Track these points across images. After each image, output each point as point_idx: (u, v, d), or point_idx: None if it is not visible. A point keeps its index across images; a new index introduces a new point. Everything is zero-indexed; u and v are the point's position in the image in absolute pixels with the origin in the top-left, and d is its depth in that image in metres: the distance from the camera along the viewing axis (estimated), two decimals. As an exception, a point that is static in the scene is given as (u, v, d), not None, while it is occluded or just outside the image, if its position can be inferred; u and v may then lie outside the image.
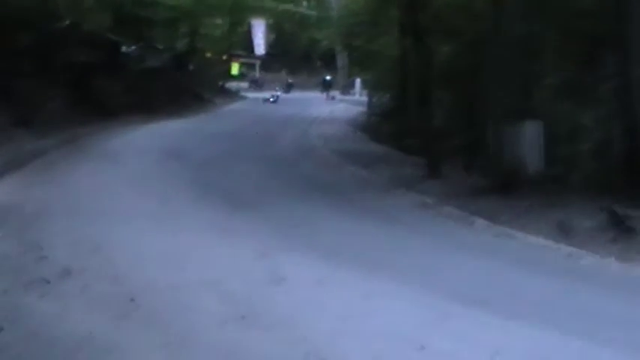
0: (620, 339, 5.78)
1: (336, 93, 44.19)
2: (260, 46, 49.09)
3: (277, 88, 41.44)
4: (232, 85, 42.24)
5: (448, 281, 7.45)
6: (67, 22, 20.79)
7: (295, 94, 43.56)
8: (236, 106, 34.55)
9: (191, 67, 35.42)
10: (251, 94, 41.13)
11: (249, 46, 48.54)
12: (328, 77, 45.98)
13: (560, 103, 13.69)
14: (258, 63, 50.73)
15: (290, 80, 48.29)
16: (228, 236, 8.76)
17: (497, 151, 13.39)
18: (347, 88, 45.41)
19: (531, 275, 8.21)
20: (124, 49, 26.90)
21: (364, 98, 31.33)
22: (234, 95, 39.24)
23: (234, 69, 44.96)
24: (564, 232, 10.01)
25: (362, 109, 29.46)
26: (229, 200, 11.45)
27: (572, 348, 5.61)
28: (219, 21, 39.94)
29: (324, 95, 43.00)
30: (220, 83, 40.11)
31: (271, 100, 37.00)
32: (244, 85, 44.68)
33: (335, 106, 35.47)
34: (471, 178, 14.65)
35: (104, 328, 5.11)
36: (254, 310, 5.84)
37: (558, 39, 14.93)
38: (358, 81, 42.49)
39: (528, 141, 13.34)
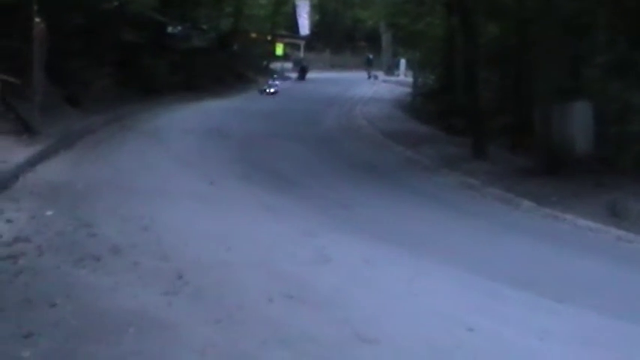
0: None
1: (379, 73, 43.93)
2: (304, 27, 49.02)
3: (275, 76, 35.05)
4: (276, 65, 42.27)
5: (495, 263, 7.41)
6: (116, 3, 21.00)
7: (339, 74, 43.40)
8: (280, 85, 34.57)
9: (235, 48, 35.51)
10: (295, 74, 41.12)
11: (293, 26, 48.48)
12: (371, 56, 45.74)
13: (610, 82, 13.38)
14: (302, 43, 50.66)
15: (304, 63, 41.38)
16: (275, 215, 8.80)
17: (544, 131, 13.19)
18: (391, 69, 45.13)
19: (580, 258, 8.12)
20: (169, 29, 27.09)
21: (409, 79, 31.10)
22: (278, 75, 39.29)
23: (279, 49, 44.93)
24: (614, 215, 9.85)
25: (406, 89, 29.27)
26: (275, 179, 11.50)
27: (620, 331, 5.55)
28: (263, 1, 39.94)
29: (367, 74, 42.73)
30: (264, 63, 40.16)
31: (268, 91, 29.36)
32: (288, 65, 44.66)
33: (379, 87, 35.27)
34: (517, 158, 14.50)
35: (154, 304, 5.18)
36: (301, 289, 5.86)
37: (610, 16, 14.59)
38: (403, 61, 42.17)
39: (577, 121, 13.12)
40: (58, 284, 5.47)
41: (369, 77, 42.17)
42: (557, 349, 5.03)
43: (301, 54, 49.82)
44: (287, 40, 47.52)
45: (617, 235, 9.25)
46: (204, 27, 32.51)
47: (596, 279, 7.18)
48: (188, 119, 18.72)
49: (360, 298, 5.79)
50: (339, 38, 53.45)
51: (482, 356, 4.80)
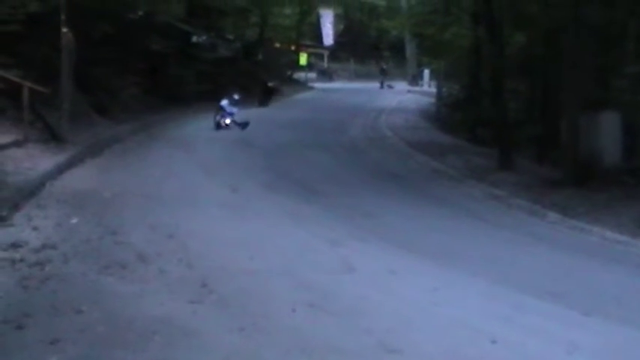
0: None
1: (402, 83, 43.83)
2: (328, 37, 49.15)
3: (236, 97, 19.92)
4: (300, 75, 42.40)
5: (521, 274, 7.33)
6: (141, 13, 21.21)
7: (363, 84, 43.37)
8: (304, 95, 34.67)
9: (260, 57, 35.70)
10: (319, 85, 41.18)
11: (317, 36, 48.63)
12: (385, 66, 45.77)
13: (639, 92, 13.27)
14: (326, 53, 50.79)
15: (272, 83, 29.83)
16: (300, 224, 8.80)
17: (572, 142, 13.07)
18: (415, 79, 45.06)
19: (608, 270, 8.02)
20: (194, 39, 27.30)
21: (433, 89, 31.02)
22: (302, 85, 39.38)
23: (303, 59, 45.09)
24: (643, 227, 9.72)
25: (431, 99, 29.19)
26: (300, 188, 11.51)
27: (631, 339, 5.46)
28: (288, 11, 40.12)
29: (379, 84, 42.71)
30: (289, 73, 40.31)
31: (223, 123, 18.82)
32: (312, 75, 44.77)
33: (404, 97, 35.22)
34: (544, 170, 14.38)
35: (179, 312, 5.20)
36: (325, 298, 5.85)
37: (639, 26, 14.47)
38: (427, 71, 42.11)
39: (605, 132, 12.99)
40: (84, 291, 5.51)
41: (382, 87, 42.16)
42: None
43: (325, 64, 49.92)
44: (311, 49, 47.67)
45: (645, 248, 9.13)
46: (230, 37, 32.72)
47: (624, 292, 7.06)
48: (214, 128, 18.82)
49: (384, 308, 5.76)
50: (364, 48, 53.49)
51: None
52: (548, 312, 6.04)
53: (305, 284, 6.22)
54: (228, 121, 18.77)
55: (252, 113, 23.24)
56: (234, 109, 19.37)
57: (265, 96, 27.76)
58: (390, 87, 42.31)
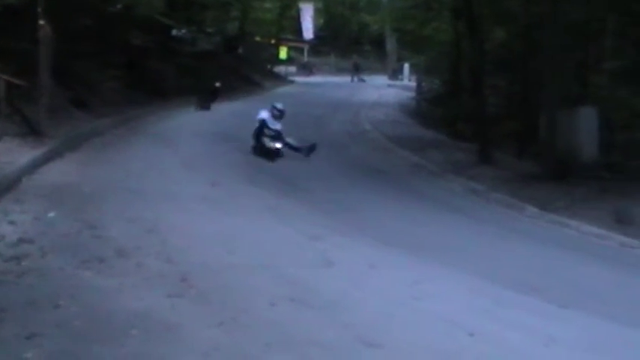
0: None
1: (382, 78, 43.88)
2: (308, 30, 48.99)
3: (273, 117, 14.81)
4: (281, 69, 42.32)
5: (500, 267, 7.39)
6: (120, 6, 21.03)
7: (344, 79, 43.34)
8: (285, 89, 34.55)
9: (241, 51, 35.55)
10: (300, 79, 41.12)
11: (297, 30, 48.52)
12: (357, 60, 45.91)
13: (618, 89, 13.38)
14: (306, 47, 50.67)
15: (217, 84, 23.47)
16: (280, 218, 8.80)
17: (550, 137, 13.18)
18: (396, 73, 45.13)
19: (585, 264, 8.10)
20: (174, 32, 27.12)
21: (413, 84, 31.08)
22: (282, 79, 39.29)
23: (283, 53, 44.97)
24: (620, 221, 9.83)
25: (411, 94, 29.25)
26: (281, 182, 11.50)
27: (625, 337, 5.53)
28: (268, 5, 40.00)
29: (351, 78, 42.84)
30: (269, 67, 40.22)
31: (274, 147, 14.13)
32: (292, 69, 44.69)
33: (384, 91, 35.23)
34: (523, 164, 14.48)
35: (158, 306, 5.17)
36: (305, 293, 5.85)
37: (618, 22, 14.59)
38: (407, 66, 42.20)
39: (583, 128, 13.13)
40: (61, 285, 5.47)
41: (352, 81, 42.30)
42: (563, 355, 5.01)
43: (305, 58, 49.84)
44: (291, 43, 47.56)
45: (622, 242, 9.23)
46: (210, 30, 32.57)
47: (601, 285, 7.15)
48: (195, 122, 18.74)
49: (364, 302, 5.78)
50: (345, 42, 53.46)
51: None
52: (526, 305, 6.09)
53: (285, 279, 6.21)
54: (279, 145, 13.89)
55: (236, 107, 23.15)
56: (278, 125, 14.32)
57: (210, 97, 22.01)
58: (362, 80, 42.42)
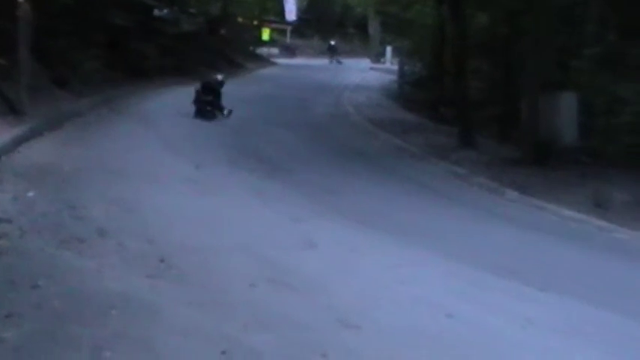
0: None
1: (365, 61, 43.81)
2: (291, 12, 48.76)
3: None
4: (263, 50, 42.12)
5: (480, 251, 7.44)
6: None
7: (326, 61, 43.24)
8: (267, 71, 34.44)
9: (223, 32, 35.29)
10: (282, 60, 40.97)
11: (280, 12, 48.26)
12: (333, 42, 45.82)
13: (599, 74, 13.44)
14: (289, 29, 50.44)
15: (220, 77, 17.40)
16: (262, 200, 8.79)
17: (531, 122, 13.25)
18: (378, 56, 45.07)
19: (563, 247, 8.18)
20: (156, 12, 26.84)
21: (395, 67, 31.05)
22: (265, 61, 39.11)
23: (265, 34, 44.73)
24: (599, 206, 9.92)
25: (393, 77, 29.23)
26: (263, 164, 11.48)
27: (602, 320, 5.59)
28: (252, -14, 39.73)
29: (328, 60, 42.82)
30: (251, 49, 40.01)
31: None
32: (275, 51, 44.50)
33: (366, 74, 35.20)
34: (504, 148, 14.55)
35: (138, 287, 5.17)
36: (286, 274, 5.87)
37: (600, 8, 14.63)
38: (389, 49, 42.16)
39: (563, 112, 13.21)
40: (41, 265, 5.44)
41: (331, 62, 42.30)
42: (540, 337, 5.07)
43: (288, 40, 49.64)
44: (274, 25, 47.31)
45: (602, 226, 9.32)
46: (193, 11, 32.29)
47: (579, 269, 7.22)
48: (177, 103, 18.54)
49: (344, 284, 5.81)
50: (328, 25, 53.24)
51: (465, 343, 4.82)
52: (505, 288, 6.15)
53: (266, 260, 6.22)
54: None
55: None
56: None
57: (212, 99, 16.28)
58: (340, 62, 42.40)
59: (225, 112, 16.36)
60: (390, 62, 40.13)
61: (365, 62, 43.34)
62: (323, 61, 42.99)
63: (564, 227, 9.33)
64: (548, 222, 9.61)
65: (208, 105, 16.14)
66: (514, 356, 4.75)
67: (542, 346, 4.93)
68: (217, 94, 16.51)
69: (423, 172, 12.76)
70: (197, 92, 16.31)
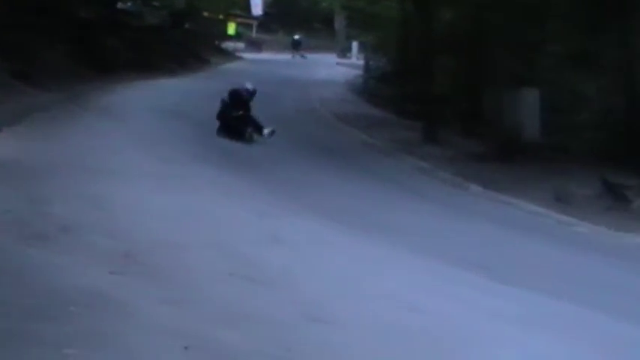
0: (613, 304, 5.90)
1: (331, 56, 43.85)
2: (257, 7, 48.54)
3: None
4: (229, 45, 41.90)
5: (444, 245, 7.54)
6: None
7: (293, 56, 43.21)
8: (233, 65, 34.26)
9: (188, 26, 35.07)
10: (248, 55, 40.82)
11: (247, 6, 48.05)
12: (297, 37, 45.86)
13: (563, 71, 13.67)
14: (255, 23, 50.24)
15: (249, 87, 14.38)
16: (229, 195, 8.80)
17: (494, 118, 13.44)
18: (344, 52, 45.15)
19: (526, 241, 8.33)
20: (119, 5, 26.57)
21: (362, 62, 31.16)
22: (230, 55, 38.93)
23: (231, 29, 44.50)
24: (560, 200, 10.11)
25: (359, 72, 29.34)
26: (230, 160, 11.45)
27: (563, 311, 5.71)
28: (217, -20, 39.51)
29: (292, 54, 42.89)
30: (217, 43, 39.79)
31: None
32: (241, 45, 44.30)
33: (332, 69, 35.24)
34: (468, 144, 14.71)
35: (103, 283, 5.12)
36: (252, 270, 5.87)
37: (566, 5, 14.84)
38: (355, 44, 42.24)
39: (526, 109, 13.42)
40: (3, 263, 5.36)
41: (293, 57, 42.36)
42: (504, 330, 5.15)
43: (254, 34, 49.47)
44: (240, 19, 47.10)
45: (563, 220, 9.51)
46: (156, 4, 32.02)
47: (540, 262, 7.37)
48: (143, 98, 18.45)
49: (311, 279, 5.84)
50: (294, 20, 53.15)
51: (429, 336, 4.88)
52: (469, 282, 6.24)
53: (233, 256, 6.23)
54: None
55: (184, 83, 22.92)
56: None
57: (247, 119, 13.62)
58: (304, 57, 42.41)
59: (266, 132, 13.30)
60: (356, 57, 40.23)
61: (331, 57, 43.33)
62: (289, 56, 42.93)
63: (527, 221, 9.50)
64: (511, 216, 9.77)
65: (240, 122, 13.22)
66: (477, 347, 4.83)
67: (506, 339, 5.02)
68: (248, 108, 13.61)
69: (388, 166, 12.87)
70: (223, 104, 13.57)
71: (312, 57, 42.87)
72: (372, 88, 25.35)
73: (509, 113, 13.34)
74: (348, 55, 43.57)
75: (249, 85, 13.97)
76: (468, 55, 18.22)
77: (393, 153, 14.05)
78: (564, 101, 14.28)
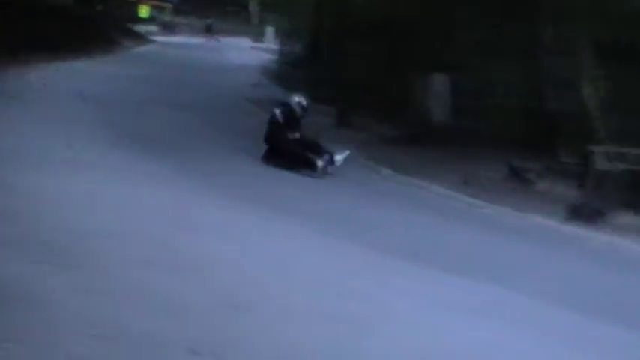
0: (519, 282, 6.20)
1: (246, 40, 43.64)
2: (172, -10, 47.90)
3: None
4: (141, 27, 41.11)
5: (355, 228, 7.68)
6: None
7: (208, 40, 42.74)
8: (145, 49, 33.68)
9: (99, 8, 34.24)
10: (161, 39, 40.15)
11: (160, -12, 47.29)
12: (210, 21, 45.59)
13: (474, 57, 14.05)
14: (169, 7, 49.45)
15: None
16: (147, 182, 8.69)
17: (407, 103, 13.74)
18: (259, 36, 44.96)
19: (434, 223, 8.63)
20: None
21: (276, 46, 31.13)
22: (142, 38, 38.22)
23: (144, 11, 43.73)
24: (468, 183, 10.48)
25: (273, 57, 29.30)
26: (142, 145, 11.29)
27: (478, 292, 5.95)
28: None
29: (206, 38, 42.69)
30: (129, 25, 38.98)
31: None
32: (154, 28, 43.54)
33: (246, 54, 35.08)
34: (381, 128, 15.00)
35: (21, 274, 5.02)
36: (172, 257, 5.85)
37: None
38: (270, 29, 42.13)
39: (436, 94, 13.77)
40: None
41: (208, 41, 42.17)
42: (418, 311, 5.33)
43: (167, 17, 48.67)
44: (153, 2, 46.27)
45: (470, 202, 9.89)
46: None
47: (448, 242, 7.66)
48: (51, 81, 17.93)
49: (235, 267, 5.85)
50: (209, 3, 52.53)
51: (353, 321, 4.94)
52: (381, 263, 6.42)
53: (149, 242, 6.18)
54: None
55: (94, 66, 22.37)
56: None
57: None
58: (217, 41, 42.16)
59: (339, 158, 10.51)
60: (271, 42, 40.15)
61: (245, 41, 43.10)
62: (203, 40, 42.46)
63: (435, 204, 9.82)
64: (421, 199, 10.08)
65: (305, 148, 10.59)
66: (390, 326, 4.97)
67: (420, 317, 5.19)
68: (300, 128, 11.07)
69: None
70: (274, 124, 10.95)
71: (227, 41, 42.54)
72: (286, 72, 25.36)
73: (421, 98, 13.67)
74: (263, 39, 43.43)
75: (300, 99, 11.35)
76: (382, 40, 18.47)
77: (307, 137, 14.14)
78: (474, 87, 14.67)
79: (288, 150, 10.53)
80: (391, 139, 13.61)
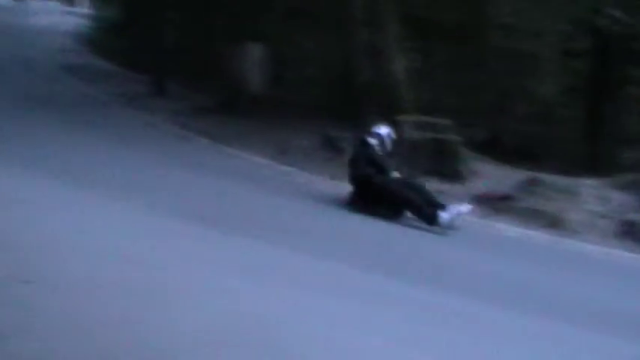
0: (322, 248, 6.27)
1: (56, 4, 41.36)
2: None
3: None
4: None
5: (170, 198, 7.47)
6: None
7: (11, 2, 40.02)
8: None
9: None
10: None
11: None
12: None
13: (290, 27, 14.11)
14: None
15: None
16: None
17: (222, 72, 13.56)
18: (72, 0, 42.81)
19: (249, 192, 8.56)
20: None
21: (90, 11, 29.75)
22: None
23: None
24: (282, 152, 10.53)
25: (87, 22, 27.99)
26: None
27: (278, 256, 5.93)
28: None
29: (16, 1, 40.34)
30: None
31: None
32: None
33: (57, 18, 33.20)
34: (197, 97, 14.75)
35: None
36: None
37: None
38: (85, -8, 40.22)
39: (251, 63, 13.71)
40: None
41: (15, 1, 39.89)
42: (223, 277, 5.22)
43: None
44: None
45: (285, 171, 9.94)
46: None
47: (263, 211, 7.62)
48: None
49: (24, 239, 5.48)
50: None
51: (146, 288, 4.82)
52: (190, 233, 6.25)
53: None
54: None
55: None
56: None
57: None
58: (24, 2, 39.78)
59: (463, 207, 7.94)
60: (85, 6, 38.30)
61: (57, 5, 40.83)
62: (10, 2, 39.71)
63: (250, 172, 9.77)
64: (237, 168, 9.99)
65: (419, 194, 7.94)
66: (191, 297, 4.85)
67: (225, 287, 5.09)
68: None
69: (113, 120, 12.48)
70: (366, 159, 8.26)
71: (37, 4, 40.08)
72: (100, 39, 24.31)
73: (238, 67, 13.54)
74: (74, 3, 41.35)
75: (389, 132, 8.64)
76: (198, 8, 18.12)
77: (119, 107, 13.64)
78: (291, 57, 14.78)
79: (392, 192, 7.93)
80: (207, 108, 13.39)
